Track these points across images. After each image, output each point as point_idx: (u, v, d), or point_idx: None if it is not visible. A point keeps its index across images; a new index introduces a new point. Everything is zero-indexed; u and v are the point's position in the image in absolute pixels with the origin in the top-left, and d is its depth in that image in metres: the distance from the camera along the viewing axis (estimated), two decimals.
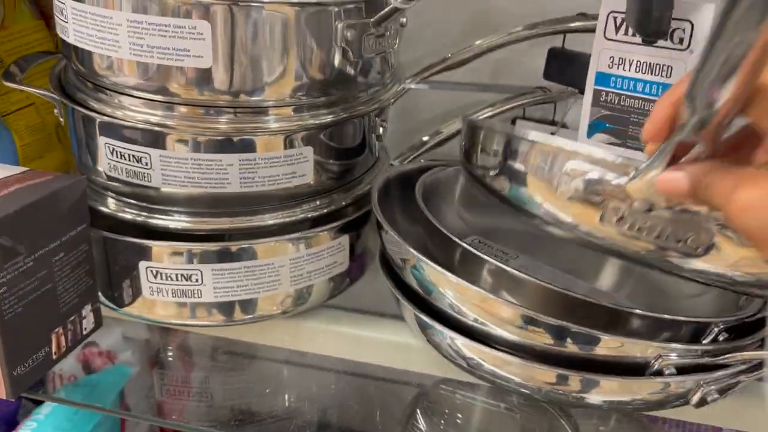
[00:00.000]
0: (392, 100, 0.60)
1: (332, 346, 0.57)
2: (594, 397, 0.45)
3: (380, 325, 0.57)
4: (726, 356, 0.42)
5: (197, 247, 0.51)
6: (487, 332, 0.47)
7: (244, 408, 0.68)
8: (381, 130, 0.61)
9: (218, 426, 0.66)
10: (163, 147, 0.50)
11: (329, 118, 0.53)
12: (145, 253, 0.52)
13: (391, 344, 0.56)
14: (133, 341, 0.82)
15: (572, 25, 0.64)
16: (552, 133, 0.70)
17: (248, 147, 0.51)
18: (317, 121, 0.52)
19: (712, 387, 0.43)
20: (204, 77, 0.48)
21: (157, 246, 0.51)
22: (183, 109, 0.50)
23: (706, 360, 0.43)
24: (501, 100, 0.71)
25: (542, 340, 0.45)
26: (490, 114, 0.70)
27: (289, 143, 0.52)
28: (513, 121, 0.72)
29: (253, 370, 0.74)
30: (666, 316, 0.45)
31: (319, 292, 0.57)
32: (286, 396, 0.70)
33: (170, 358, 0.80)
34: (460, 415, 0.64)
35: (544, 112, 0.72)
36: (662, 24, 0.40)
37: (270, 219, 0.54)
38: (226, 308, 0.54)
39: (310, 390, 0.70)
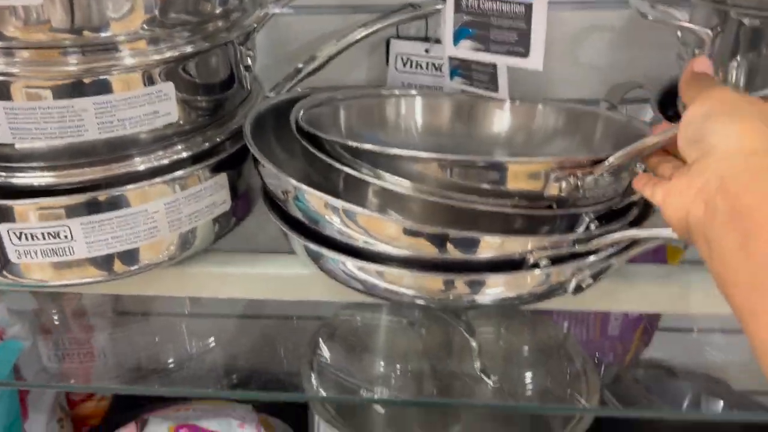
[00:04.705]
0: (255, 25, 0.58)
1: (223, 288, 0.56)
2: (483, 297, 0.47)
3: (271, 262, 0.56)
4: (594, 241, 0.45)
5: (61, 201, 0.48)
6: (376, 252, 0.48)
7: (147, 361, 0.66)
8: (248, 60, 0.58)
9: (123, 380, 0.64)
10: (8, 98, 0.46)
11: (189, 49, 0.50)
12: (4, 215, 0.48)
13: (285, 278, 0.56)
14: (20, 314, 0.77)
15: None
16: (426, 50, 0.70)
17: (102, 88, 0.47)
18: (175, 53, 0.49)
19: (586, 272, 0.46)
20: (40, 15, 0.44)
21: (17, 205, 0.48)
22: (25, 53, 0.46)
23: (577, 248, 0.45)
24: (372, 20, 0.69)
25: (428, 250, 0.46)
26: (363, 34, 0.68)
27: (147, 80, 0.49)
28: (387, 42, 0.71)
29: (151, 323, 0.71)
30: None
31: (203, 234, 0.55)
32: (189, 345, 0.68)
33: (64, 324, 0.76)
34: (362, 337, 0.65)
35: (417, 29, 0.71)
36: None
37: (141, 164, 0.51)
38: (105, 262, 0.51)
39: (213, 337, 0.69)
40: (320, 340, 0.65)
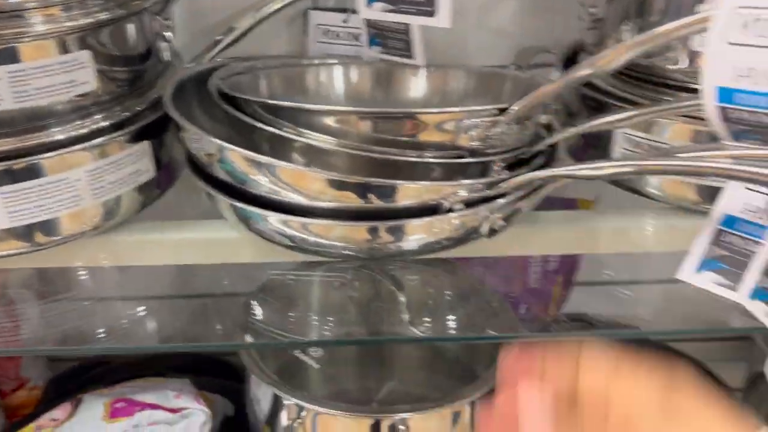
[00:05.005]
0: None
1: (151, 255, 0.56)
2: (406, 243, 0.50)
3: (200, 227, 0.57)
4: (503, 185, 0.48)
5: None
6: (304, 207, 0.49)
7: (75, 330, 0.66)
8: (166, 30, 0.59)
9: (53, 343, 0.64)
10: None
11: (103, 16, 0.50)
12: None
13: (214, 242, 0.56)
14: None
15: None
16: (344, 21, 0.71)
17: (15, 57, 0.47)
18: (90, 20, 0.49)
19: (497, 215, 0.49)
20: None
21: None
22: None
23: (488, 192, 0.48)
24: None
25: (352, 201, 0.48)
26: (281, 5, 0.69)
27: (62, 48, 0.49)
28: (305, 13, 0.73)
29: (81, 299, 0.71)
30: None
31: (128, 203, 0.56)
32: (120, 320, 0.68)
33: None
34: (295, 297, 0.67)
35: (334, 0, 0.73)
36: None
37: (60, 133, 0.51)
38: (27, 233, 0.51)
39: (145, 309, 0.69)
40: (252, 303, 0.67)
